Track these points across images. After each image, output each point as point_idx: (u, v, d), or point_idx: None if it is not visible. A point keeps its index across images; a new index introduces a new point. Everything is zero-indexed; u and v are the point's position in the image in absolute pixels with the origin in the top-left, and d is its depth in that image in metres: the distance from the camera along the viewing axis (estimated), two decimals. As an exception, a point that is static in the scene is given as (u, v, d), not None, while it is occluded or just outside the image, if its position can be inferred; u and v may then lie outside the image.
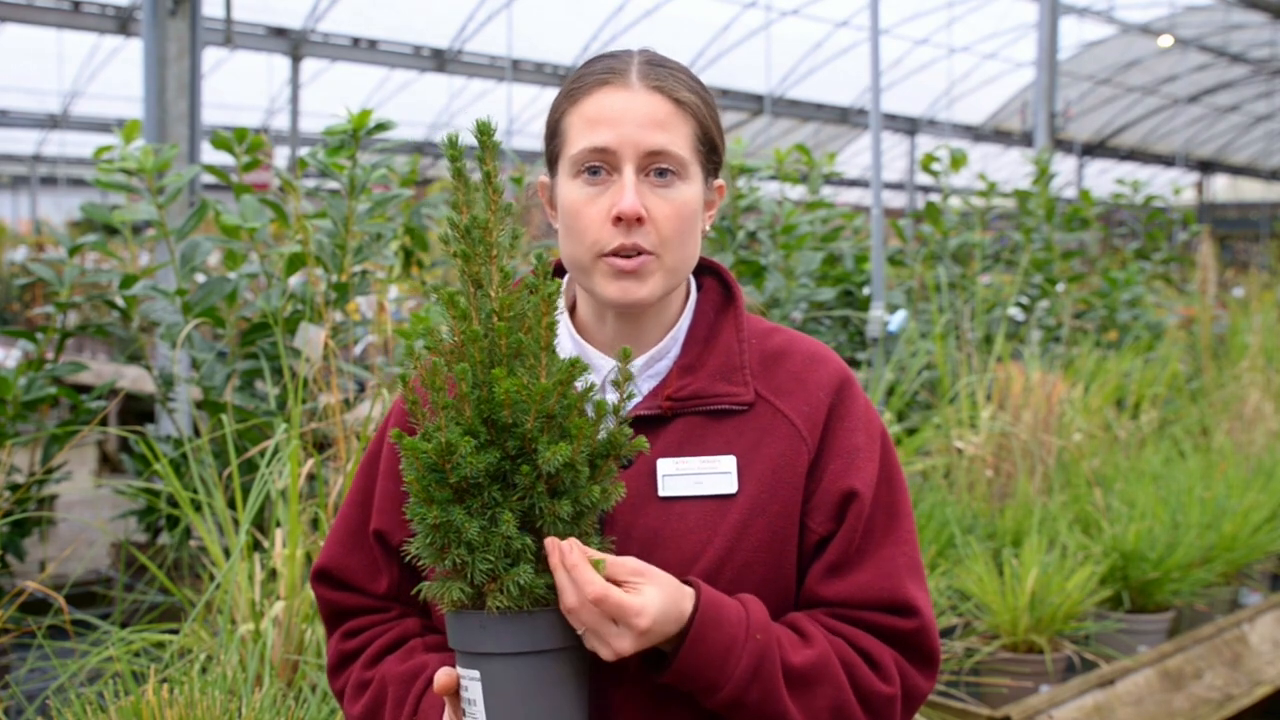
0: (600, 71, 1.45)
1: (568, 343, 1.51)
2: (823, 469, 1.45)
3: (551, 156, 1.49)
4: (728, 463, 1.44)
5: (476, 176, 1.35)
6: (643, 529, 1.41)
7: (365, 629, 1.54)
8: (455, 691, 1.34)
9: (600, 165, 1.42)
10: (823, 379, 1.49)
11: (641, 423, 1.45)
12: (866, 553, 1.44)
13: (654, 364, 1.49)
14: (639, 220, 1.40)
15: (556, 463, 1.25)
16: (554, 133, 1.48)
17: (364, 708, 1.49)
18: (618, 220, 1.40)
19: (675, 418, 1.46)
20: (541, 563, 1.29)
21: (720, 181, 1.53)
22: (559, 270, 1.58)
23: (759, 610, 1.38)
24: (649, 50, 1.49)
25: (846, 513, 1.44)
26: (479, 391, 1.28)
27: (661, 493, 1.43)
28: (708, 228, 1.52)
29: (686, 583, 1.35)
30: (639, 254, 1.41)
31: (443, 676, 1.34)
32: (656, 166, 1.42)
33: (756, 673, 1.34)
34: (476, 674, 1.29)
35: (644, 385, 1.49)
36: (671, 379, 1.48)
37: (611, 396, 1.48)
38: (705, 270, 1.58)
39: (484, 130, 1.32)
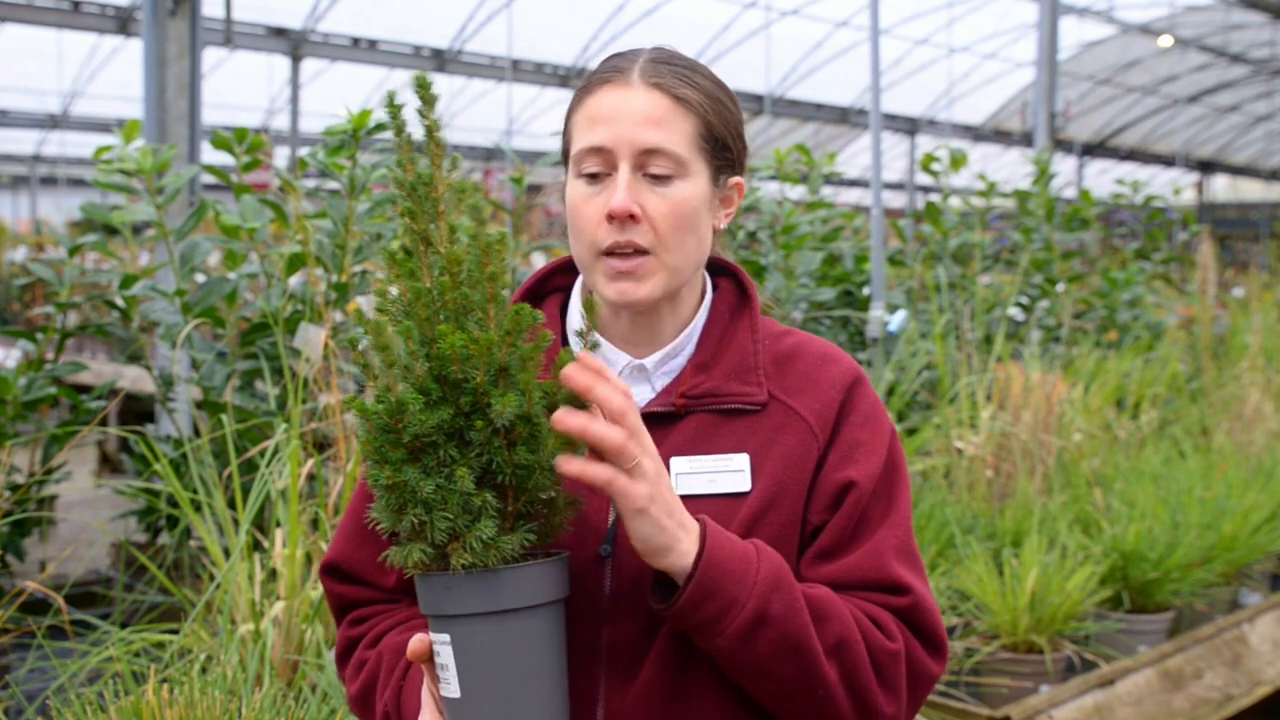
0: (606, 70, 1.46)
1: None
2: (825, 462, 1.45)
3: (564, 155, 1.51)
4: (741, 461, 1.44)
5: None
6: None
7: (370, 616, 1.55)
8: (430, 658, 1.32)
9: (599, 163, 1.42)
10: (834, 377, 1.49)
11: (654, 419, 1.45)
12: (858, 540, 1.44)
13: (669, 361, 1.50)
14: (632, 218, 1.40)
15: (508, 415, 1.23)
16: (565, 132, 1.50)
17: (361, 683, 1.50)
18: (611, 218, 1.40)
19: (688, 415, 1.46)
20: (505, 520, 1.27)
21: (739, 179, 1.52)
22: (573, 266, 1.58)
23: (762, 541, 1.38)
24: (661, 48, 1.49)
25: (843, 502, 1.44)
26: (427, 349, 1.26)
27: (675, 490, 1.42)
28: (722, 226, 1.51)
29: None
30: (635, 253, 1.41)
31: (415, 643, 1.32)
32: (653, 164, 1.41)
33: (776, 581, 1.33)
34: (447, 637, 1.27)
35: (658, 382, 1.49)
36: (685, 377, 1.48)
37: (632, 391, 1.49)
38: (722, 271, 1.58)
39: (422, 84, 1.30)
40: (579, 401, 1.27)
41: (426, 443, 1.25)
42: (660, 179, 1.42)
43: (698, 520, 1.33)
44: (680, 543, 1.30)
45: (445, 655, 1.27)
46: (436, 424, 1.24)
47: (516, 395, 1.24)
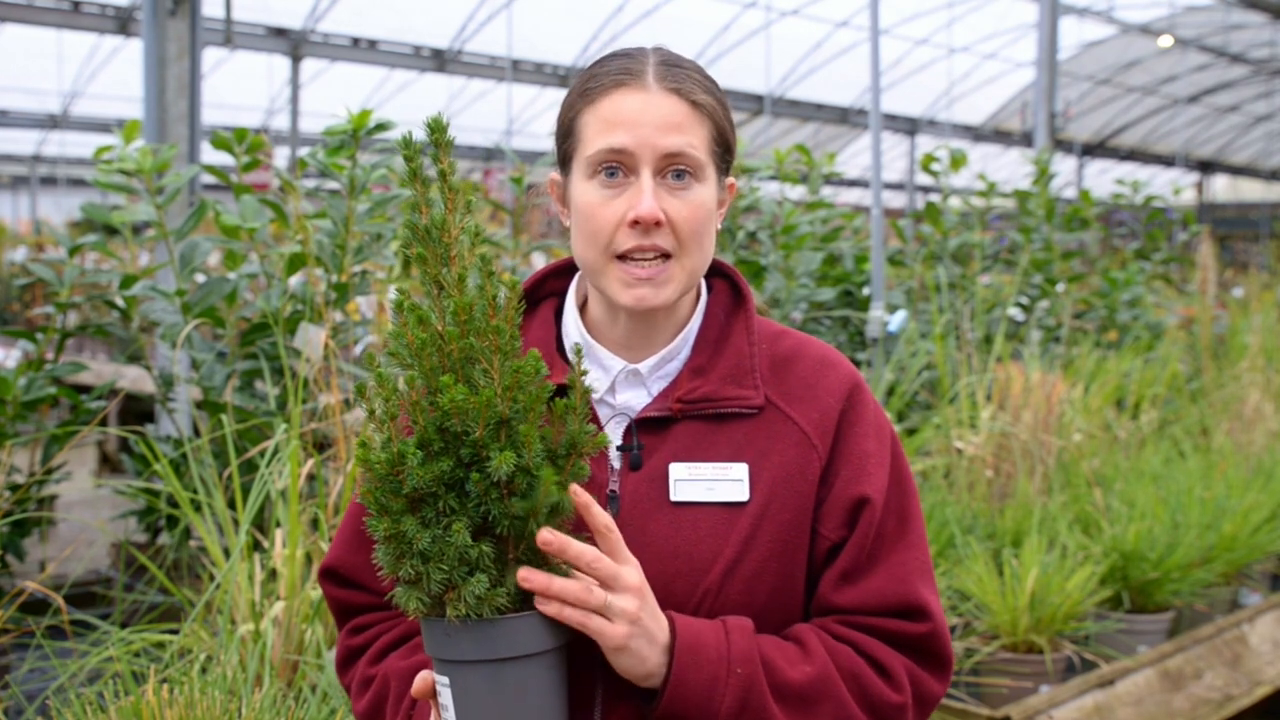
0: (616, 71, 1.44)
1: (579, 342, 1.51)
2: (834, 475, 1.45)
3: (564, 156, 1.49)
4: (740, 470, 1.43)
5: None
6: (655, 536, 1.40)
7: (371, 625, 1.56)
8: (434, 694, 1.34)
9: (617, 166, 1.41)
10: (833, 385, 1.49)
11: (651, 424, 1.45)
12: (878, 558, 1.44)
13: (664, 365, 1.49)
14: (657, 224, 1.40)
15: (504, 471, 1.23)
16: (568, 132, 1.47)
17: (368, 704, 1.50)
18: (635, 224, 1.40)
19: (684, 420, 1.46)
20: (506, 567, 1.28)
21: (731, 180, 1.53)
22: (570, 267, 1.57)
23: (741, 637, 1.37)
24: (663, 49, 1.48)
25: (858, 519, 1.44)
26: (432, 398, 1.26)
27: (674, 497, 1.42)
28: (719, 226, 1.52)
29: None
30: (657, 258, 1.41)
31: (419, 681, 1.35)
32: (674, 168, 1.42)
33: (744, 702, 1.34)
34: (447, 680, 1.29)
35: (654, 386, 1.49)
36: (682, 381, 1.47)
37: (625, 394, 1.48)
38: (715, 272, 1.58)
39: (436, 128, 1.29)
40: (574, 448, 1.30)
41: (426, 493, 1.25)
42: (681, 184, 1.42)
43: (671, 628, 1.34)
44: (662, 668, 1.33)
45: (446, 696, 1.30)
46: (436, 476, 1.24)
47: (514, 451, 1.24)
